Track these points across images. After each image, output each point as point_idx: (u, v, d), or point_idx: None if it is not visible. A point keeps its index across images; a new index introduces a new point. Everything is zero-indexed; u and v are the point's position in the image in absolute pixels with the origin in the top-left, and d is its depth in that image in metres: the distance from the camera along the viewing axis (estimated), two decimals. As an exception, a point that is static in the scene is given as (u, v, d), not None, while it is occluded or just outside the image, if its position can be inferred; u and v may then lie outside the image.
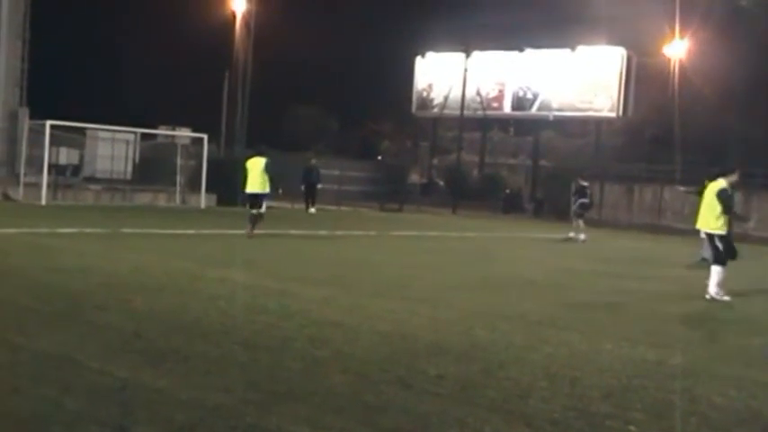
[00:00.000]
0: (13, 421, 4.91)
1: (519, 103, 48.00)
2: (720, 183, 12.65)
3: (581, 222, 24.34)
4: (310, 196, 30.70)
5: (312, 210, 30.03)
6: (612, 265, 17.78)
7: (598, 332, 9.26)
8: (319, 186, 31.43)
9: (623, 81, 44.09)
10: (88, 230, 17.33)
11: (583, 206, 24.54)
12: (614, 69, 44.28)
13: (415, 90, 51.50)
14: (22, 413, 5.05)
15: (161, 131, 34.11)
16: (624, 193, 39.47)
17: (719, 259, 12.33)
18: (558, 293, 12.57)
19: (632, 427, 5.69)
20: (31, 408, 5.16)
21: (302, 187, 30.97)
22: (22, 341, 6.87)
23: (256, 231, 17.75)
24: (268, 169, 18.05)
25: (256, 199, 18.02)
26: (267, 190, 18.12)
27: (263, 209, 17.99)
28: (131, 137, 31.16)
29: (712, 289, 12.23)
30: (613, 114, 44.57)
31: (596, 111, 44.94)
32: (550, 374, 6.98)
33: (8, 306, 8.39)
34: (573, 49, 45.18)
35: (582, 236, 23.84)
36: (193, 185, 30.63)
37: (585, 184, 25.16)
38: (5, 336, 7.03)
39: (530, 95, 47.40)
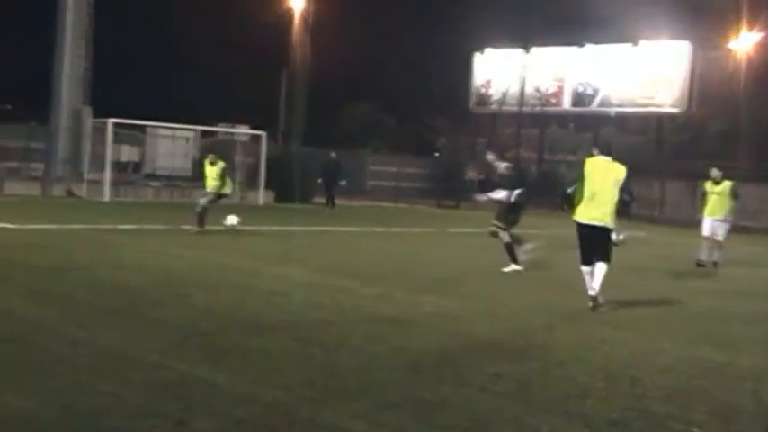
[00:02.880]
0: (75, 414, 4.99)
1: (578, 99, 47.40)
2: (622, 167, 10.41)
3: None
4: (330, 193, 29.37)
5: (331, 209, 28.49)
6: (673, 263, 17.44)
7: (657, 331, 9.07)
8: (342, 183, 30.02)
9: (687, 76, 43.20)
10: (148, 227, 17.58)
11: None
12: (678, 64, 43.38)
13: (472, 86, 51.22)
14: (83, 407, 5.13)
15: (220, 129, 34.46)
16: (686, 190, 38.68)
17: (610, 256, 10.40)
18: (617, 292, 12.33)
19: (695, 429, 5.56)
20: (92, 401, 5.24)
21: (320, 181, 30.03)
22: (83, 336, 6.99)
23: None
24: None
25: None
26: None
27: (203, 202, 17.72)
28: (191, 134, 31.54)
29: (598, 287, 10.17)
30: (676, 110, 43.71)
31: (658, 106, 44.10)
32: (609, 374, 6.86)
33: (69, 301, 8.55)
34: (635, 43, 44.40)
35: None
36: (252, 182, 30.89)
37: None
38: (67, 330, 7.16)
39: (590, 91, 46.75)
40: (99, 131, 28.34)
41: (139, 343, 6.82)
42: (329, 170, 30.01)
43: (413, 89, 50.04)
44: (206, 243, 15.42)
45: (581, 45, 46.37)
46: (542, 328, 8.76)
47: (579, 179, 10.22)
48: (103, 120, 27.97)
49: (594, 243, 10.27)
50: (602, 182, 10.14)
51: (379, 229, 21.29)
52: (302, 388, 5.81)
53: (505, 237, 13.83)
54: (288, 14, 40.20)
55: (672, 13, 40.78)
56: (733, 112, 40.28)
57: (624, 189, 10.28)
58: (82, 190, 27.61)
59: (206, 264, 12.14)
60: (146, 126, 30.33)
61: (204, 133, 32.95)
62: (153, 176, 30.31)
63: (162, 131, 30.74)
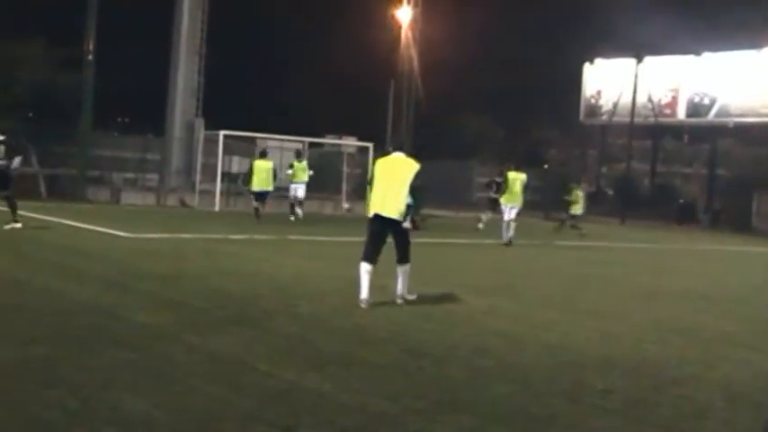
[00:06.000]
0: (188, 417, 5.09)
1: (694, 110, 45.94)
2: (414, 163, 9.70)
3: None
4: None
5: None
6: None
7: (782, 351, 8.64)
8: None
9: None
10: (258, 237, 17.90)
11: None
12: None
13: (583, 97, 50.38)
14: (196, 410, 5.22)
15: (328, 140, 34.91)
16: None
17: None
18: (738, 308, 11.87)
19: (824, 456, 5.24)
20: (204, 406, 5.33)
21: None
22: (197, 341, 7.13)
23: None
24: (275, 172, 23.31)
25: (263, 196, 23.00)
26: (272, 188, 23.31)
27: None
28: (299, 146, 32.06)
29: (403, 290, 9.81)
30: (804, 119, 41.72)
31: (783, 116, 42.17)
32: (730, 395, 6.55)
33: (183, 307, 8.75)
34: (759, 50, 42.59)
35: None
36: (359, 193, 31.14)
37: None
38: (182, 335, 7.32)
39: (706, 101, 45.22)
40: (211, 143, 29.10)
41: (249, 350, 6.91)
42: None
43: (523, 100, 49.62)
44: (313, 253, 15.59)
45: (698, 53, 44.95)
46: (657, 344, 8.47)
47: (371, 179, 9.80)
48: (215, 131, 28.73)
49: (394, 239, 9.64)
50: (392, 178, 9.53)
51: (489, 241, 21.08)
52: (410, 399, 5.76)
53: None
54: (395, 27, 40.49)
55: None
56: None
57: (416, 186, 9.48)
58: (194, 200, 28.38)
59: (313, 273, 12.25)
60: (255, 137, 30.98)
61: (312, 144, 33.45)
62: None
63: (271, 143, 31.32)
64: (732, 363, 7.82)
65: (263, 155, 23.96)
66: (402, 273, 9.71)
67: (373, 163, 10.08)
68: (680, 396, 6.42)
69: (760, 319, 11.03)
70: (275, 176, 23.44)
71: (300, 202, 24.40)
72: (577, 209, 25.79)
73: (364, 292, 9.34)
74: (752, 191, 39.63)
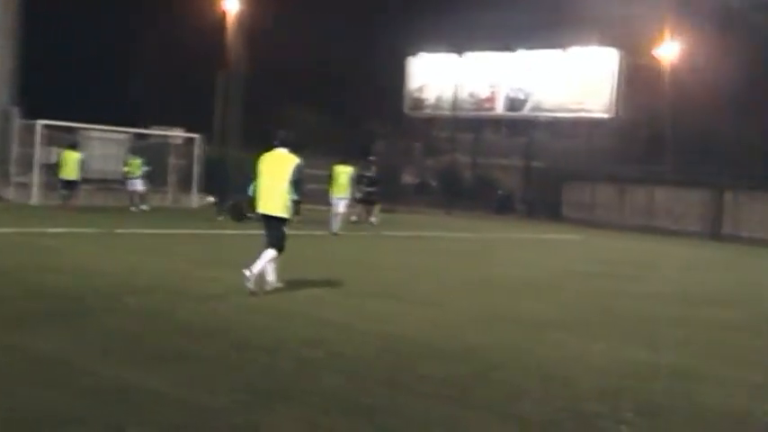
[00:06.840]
0: (11, 423, 4.92)
1: (511, 104, 48.03)
2: (293, 158, 10.21)
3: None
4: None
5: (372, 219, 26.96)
6: (605, 267, 17.83)
7: (591, 333, 9.30)
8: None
9: (616, 82, 44.16)
10: (81, 230, 17.28)
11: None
12: (607, 70, 44.33)
13: (407, 90, 51.51)
14: (20, 415, 5.05)
15: (154, 131, 34.00)
16: (616, 194, 39.64)
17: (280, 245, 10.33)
18: (552, 294, 12.61)
19: (624, 428, 5.73)
20: (29, 409, 5.17)
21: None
22: (18, 341, 6.87)
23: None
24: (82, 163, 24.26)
25: (70, 185, 24.01)
26: (78, 178, 24.11)
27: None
28: (124, 137, 31.04)
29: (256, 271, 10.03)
30: (605, 115, 44.63)
31: (588, 112, 44.98)
32: (543, 375, 7.02)
33: (4, 306, 8.38)
34: (565, 49, 45.20)
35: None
36: (185, 185, 30.55)
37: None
38: (1, 337, 7.02)
39: (522, 96, 47.41)
40: (29, 133, 27.68)
41: (75, 349, 6.74)
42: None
43: (350, 93, 50.07)
44: (141, 246, 15.23)
45: (512, 50, 46.98)
46: (479, 331, 8.90)
47: (255, 174, 10.27)
48: (33, 121, 27.34)
49: (268, 231, 10.28)
50: (273, 174, 10.07)
51: (318, 233, 21.25)
52: (239, 392, 5.81)
53: None
54: (223, 16, 39.94)
55: (600, 20, 41.68)
56: (660, 117, 41.34)
57: (296, 181, 10.04)
58: (9, 193, 26.96)
59: (141, 267, 11.99)
60: (77, 128, 29.71)
61: (138, 136, 32.47)
62: (85, 179, 29.69)
63: (94, 133, 30.16)
64: (546, 346, 8.35)
65: (73, 146, 24.96)
66: (264, 255, 10.02)
67: (256, 158, 10.30)
68: (499, 380, 6.81)
69: (572, 303, 11.78)
70: (82, 167, 24.31)
71: (141, 196, 25.99)
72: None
73: (270, 276, 10.19)
74: (561, 182, 42.04)
